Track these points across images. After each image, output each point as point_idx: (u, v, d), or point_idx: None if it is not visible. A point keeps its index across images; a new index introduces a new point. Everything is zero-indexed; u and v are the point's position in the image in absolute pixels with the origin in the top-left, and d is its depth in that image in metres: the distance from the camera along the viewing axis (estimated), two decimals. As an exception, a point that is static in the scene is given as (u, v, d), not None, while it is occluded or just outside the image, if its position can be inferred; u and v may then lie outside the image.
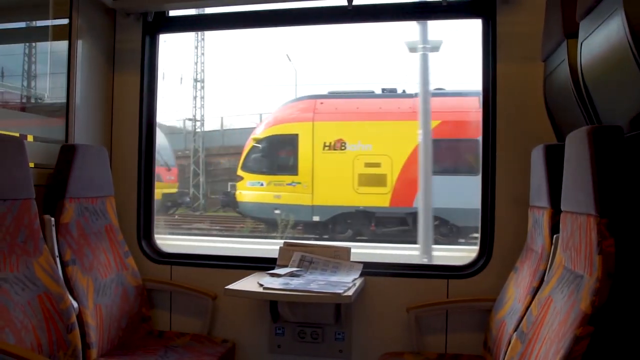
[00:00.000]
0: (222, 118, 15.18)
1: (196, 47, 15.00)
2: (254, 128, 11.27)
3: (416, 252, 5.41)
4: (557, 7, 1.90)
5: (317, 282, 2.45)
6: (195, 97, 15.04)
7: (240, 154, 10.66)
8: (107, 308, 2.48)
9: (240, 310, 2.80)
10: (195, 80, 15.10)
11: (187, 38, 14.92)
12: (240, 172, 10.39)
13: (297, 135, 9.86)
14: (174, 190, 11.76)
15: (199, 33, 14.16)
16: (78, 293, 2.31)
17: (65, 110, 2.74)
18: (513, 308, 2.08)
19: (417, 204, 6.69)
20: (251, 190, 10.18)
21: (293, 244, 2.81)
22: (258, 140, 10.24)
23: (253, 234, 10.72)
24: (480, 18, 2.68)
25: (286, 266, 2.71)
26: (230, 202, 11.60)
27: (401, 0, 2.82)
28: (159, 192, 10.61)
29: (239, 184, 10.47)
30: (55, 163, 2.48)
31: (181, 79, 14.80)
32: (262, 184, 10.15)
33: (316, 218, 9.72)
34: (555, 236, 1.86)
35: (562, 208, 1.66)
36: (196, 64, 15.11)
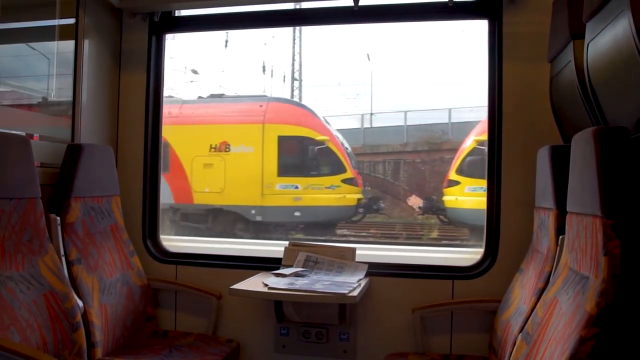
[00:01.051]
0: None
1: (293, 46, 14.82)
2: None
3: None
4: (564, 8, 1.89)
5: (322, 282, 2.44)
6: (292, 96, 14.80)
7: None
8: (112, 307, 2.49)
9: (245, 310, 2.80)
10: (293, 79, 14.90)
11: (287, 34, 14.58)
12: (455, 177, 9.61)
13: None
14: (361, 195, 11.02)
15: (296, 30, 13.97)
16: (83, 292, 2.32)
17: (72, 109, 2.75)
18: (518, 309, 2.07)
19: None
20: (471, 196, 9.30)
21: (298, 244, 2.81)
22: (480, 142, 9.28)
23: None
24: (487, 19, 2.67)
25: (291, 266, 2.72)
26: (432, 207, 10.82)
27: (407, 0, 2.82)
28: (354, 197, 10.05)
29: (449, 190, 9.73)
30: (61, 162, 2.49)
31: (284, 77, 14.56)
32: (484, 190, 9.28)
33: None
34: (560, 237, 1.85)
35: (568, 209, 1.65)
36: (294, 61, 14.91)
